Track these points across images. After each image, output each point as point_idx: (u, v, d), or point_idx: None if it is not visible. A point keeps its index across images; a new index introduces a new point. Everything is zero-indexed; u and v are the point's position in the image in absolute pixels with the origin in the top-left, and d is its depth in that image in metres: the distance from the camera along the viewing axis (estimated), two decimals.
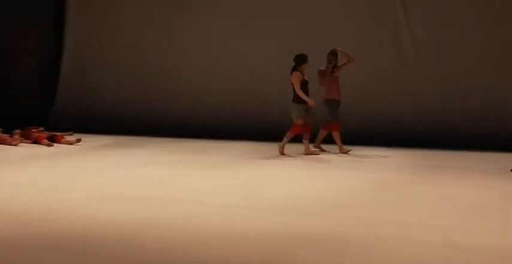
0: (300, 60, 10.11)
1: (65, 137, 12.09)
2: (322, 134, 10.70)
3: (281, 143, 10.30)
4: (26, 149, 11.13)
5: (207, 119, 13.41)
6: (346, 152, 10.45)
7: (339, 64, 10.49)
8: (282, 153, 10.25)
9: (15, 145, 11.40)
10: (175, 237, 5.22)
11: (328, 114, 10.48)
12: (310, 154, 10.30)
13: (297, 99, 10.14)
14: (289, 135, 10.26)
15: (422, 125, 11.68)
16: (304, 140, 10.31)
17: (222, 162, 9.77)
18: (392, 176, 8.54)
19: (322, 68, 10.44)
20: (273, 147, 10.72)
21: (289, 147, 10.48)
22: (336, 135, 10.50)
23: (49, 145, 11.49)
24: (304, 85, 10.13)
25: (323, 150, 10.67)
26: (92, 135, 13.03)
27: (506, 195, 7.20)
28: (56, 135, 12.02)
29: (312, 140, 10.57)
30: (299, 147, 10.56)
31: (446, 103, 11.64)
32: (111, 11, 14.67)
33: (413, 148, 11.18)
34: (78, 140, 11.86)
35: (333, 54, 10.44)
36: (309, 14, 12.78)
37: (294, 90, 10.16)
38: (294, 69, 10.16)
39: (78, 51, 15.07)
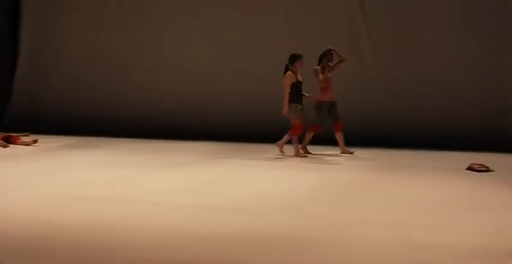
0: (293, 59, 9.95)
1: (21, 137, 11.87)
2: (308, 136, 10.46)
3: (294, 148, 10.14)
4: None
5: (166, 119, 13.30)
6: (350, 152, 10.37)
7: (331, 64, 10.35)
8: (303, 155, 10.13)
9: None
10: (131, 239, 5.13)
11: (315, 115, 10.36)
12: (300, 156, 10.08)
13: (291, 99, 9.96)
14: (293, 139, 10.08)
15: (382, 124, 11.74)
16: (292, 142, 10.18)
17: (181, 162, 9.69)
18: (353, 175, 8.57)
19: (317, 67, 10.29)
20: (233, 148, 10.68)
21: (252, 147, 10.45)
22: (308, 136, 10.37)
23: (4, 146, 11.27)
24: (297, 86, 9.97)
25: (309, 153, 10.45)
26: (48, 136, 12.85)
27: (464, 193, 7.25)
28: (11, 136, 11.79)
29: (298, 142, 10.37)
30: (262, 148, 10.54)
31: (405, 102, 11.72)
32: (67, 11, 14.45)
33: (375, 147, 11.22)
34: (35, 141, 11.66)
35: (330, 54, 10.30)
36: (266, 14, 12.73)
37: (291, 90, 9.97)
38: (286, 69, 10.00)
39: (35, 52, 14.85)
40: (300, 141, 10.28)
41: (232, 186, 7.63)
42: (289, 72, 9.95)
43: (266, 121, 12.29)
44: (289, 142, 10.28)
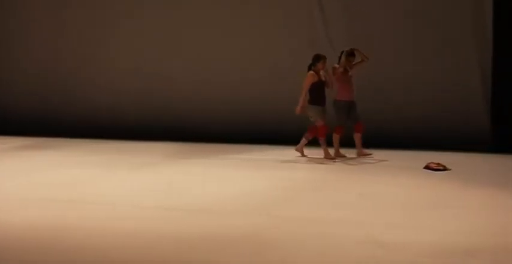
0: (316, 60, 9.68)
1: None
2: (336, 139, 9.97)
3: (323, 151, 9.82)
4: None
5: (125, 119, 13.17)
6: (332, 159, 9.82)
7: (353, 63, 9.99)
8: (335, 158, 9.80)
9: None
10: (91, 240, 5.09)
11: (334, 116, 9.96)
12: (330, 158, 9.76)
13: (312, 101, 9.70)
14: (321, 140, 9.75)
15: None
16: (303, 139, 10.04)
17: (144, 162, 9.63)
18: (316, 175, 8.64)
19: (336, 65, 9.89)
20: (195, 148, 10.67)
21: (217, 148, 10.41)
22: (335, 139, 9.92)
23: None
24: (319, 86, 9.66)
25: (344, 156, 9.99)
26: (5, 137, 12.67)
27: (422, 193, 7.34)
28: None
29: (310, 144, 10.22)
30: (226, 148, 10.52)
31: (365, 102, 11.78)
32: (20, 9, 14.21)
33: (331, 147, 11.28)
34: None
35: (352, 55, 9.93)
36: (226, 14, 12.72)
37: (309, 91, 9.71)
38: (309, 69, 9.75)
39: None
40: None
41: (196, 187, 7.62)
42: (310, 72, 9.70)
43: (232, 121, 12.28)
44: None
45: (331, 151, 9.90)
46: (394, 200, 6.81)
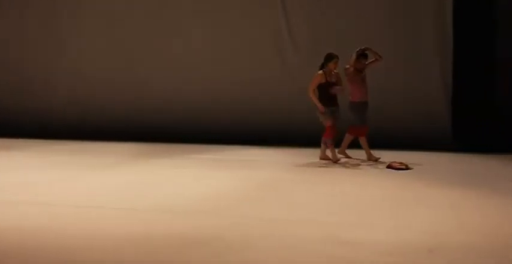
0: (328, 59, 9.42)
1: None
2: (348, 139, 9.83)
3: (321, 150, 9.65)
4: None
5: (87, 119, 13.08)
6: (375, 160, 9.59)
7: (367, 62, 9.67)
8: (338, 158, 9.56)
9: None
10: (53, 242, 5.04)
11: (351, 117, 9.70)
12: (325, 159, 9.60)
13: (322, 101, 9.43)
14: (328, 141, 9.48)
15: (306, 124, 11.84)
16: (322, 144, 9.63)
17: (109, 163, 9.57)
18: (279, 174, 8.65)
19: (347, 66, 9.60)
20: (160, 148, 10.63)
21: (182, 148, 10.36)
22: (347, 139, 9.79)
23: None
24: (326, 87, 9.39)
25: (349, 157, 9.84)
26: None
27: (385, 192, 7.41)
28: None
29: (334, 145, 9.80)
30: (191, 148, 10.49)
31: None
32: None
33: (298, 146, 11.32)
34: None
35: (363, 55, 9.57)
36: (188, 14, 12.70)
37: (318, 91, 9.49)
38: (321, 67, 9.50)
39: None
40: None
41: (158, 187, 7.60)
42: (319, 72, 9.46)
43: (197, 121, 12.28)
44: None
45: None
46: (356, 200, 6.86)
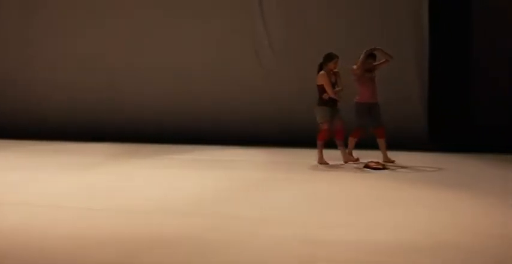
0: (328, 59, 9.24)
1: None
2: (351, 141, 9.52)
3: (318, 155, 9.36)
4: None
5: (61, 119, 12.98)
6: (391, 161, 9.35)
7: (376, 63, 9.49)
8: (322, 163, 9.30)
9: None
10: (27, 242, 5.02)
11: (354, 118, 9.47)
12: (350, 161, 9.32)
13: (321, 102, 9.29)
14: (319, 143, 9.30)
15: (279, 124, 11.88)
16: (339, 147, 9.31)
17: (85, 163, 9.53)
18: (259, 174, 8.69)
19: (354, 67, 9.38)
20: (142, 148, 10.60)
21: (161, 148, 10.32)
22: (351, 142, 9.46)
23: None
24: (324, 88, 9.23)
25: (356, 160, 9.47)
26: None
27: (362, 191, 7.46)
28: None
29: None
30: (173, 148, 10.45)
31: (304, 103, 11.89)
32: None
33: (274, 146, 11.34)
34: None
35: (372, 56, 9.38)
36: (164, 15, 12.66)
37: (319, 92, 9.29)
38: (320, 68, 9.35)
39: None
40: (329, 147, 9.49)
41: (138, 188, 7.59)
42: (322, 72, 9.23)
43: (179, 122, 12.25)
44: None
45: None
46: (334, 199, 6.90)
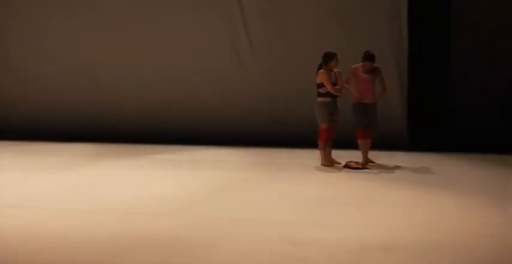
0: (328, 58, 9.17)
1: None
2: (361, 145, 9.32)
3: (321, 157, 9.28)
4: None
5: (42, 120, 12.93)
6: (371, 162, 9.32)
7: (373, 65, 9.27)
8: (329, 165, 9.20)
9: None
10: (8, 244, 5.00)
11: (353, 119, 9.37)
12: (328, 165, 9.20)
13: (319, 94, 9.20)
14: (320, 145, 9.23)
15: (260, 124, 11.90)
16: (320, 149, 9.31)
17: (58, 164, 9.47)
18: (234, 174, 8.70)
19: (354, 66, 9.34)
20: (122, 149, 10.55)
21: (141, 148, 10.28)
22: (362, 144, 9.27)
23: None
24: (324, 86, 9.18)
25: (373, 162, 9.37)
26: None
27: (341, 190, 7.50)
28: None
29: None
30: (151, 149, 10.42)
31: (283, 103, 11.93)
32: None
33: (251, 146, 11.36)
34: None
35: (367, 59, 9.19)
36: (144, 14, 12.63)
37: (318, 90, 9.25)
38: (320, 68, 9.28)
39: None
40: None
41: (117, 188, 7.57)
42: (322, 70, 9.20)
43: (159, 122, 12.24)
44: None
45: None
46: (313, 199, 6.92)
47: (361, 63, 9.27)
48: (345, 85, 9.33)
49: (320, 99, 9.26)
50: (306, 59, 11.54)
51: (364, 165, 9.09)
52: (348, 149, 9.62)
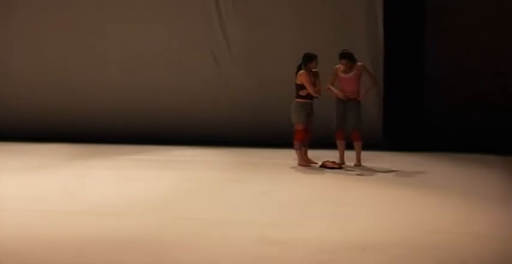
0: (308, 59, 9.13)
1: None
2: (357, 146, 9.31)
3: (298, 157, 9.26)
4: None
5: (15, 119, 12.77)
6: (305, 165, 9.24)
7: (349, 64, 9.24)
8: (305, 165, 9.17)
9: None
10: None
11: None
12: (305, 165, 9.18)
13: (299, 96, 9.16)
14: (296, 145, 9.19)
15: (238, 125, 11.87)
16: (296, 150, 9.28)
17: (35, 165, 9.38)
18: (210, 174, 8.69)
19: (336, 66, 9.32)
20: (99, 149, 10.52)
21: (116, 149, 10.25)
22: (338, 144, 9.32)
23: None
24: (303, 87, 9.13)
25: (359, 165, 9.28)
26: None
27: (318, 190, 7.50)
28: None
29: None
30: (126, 149, 10.38)
31: (261, 104, 11.91)
32: None
33: (229, 146, 11.31)
34: None
35: (341, 57, 9.20)
36: (118, 16, 12.53)
37: (296, 90, 9.20)
38: (299, 68, 9.23)
39: None
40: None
41: (92, 189, 7.54)
42: (302, 71, 9.14)
43: (137, 122, 12.15)
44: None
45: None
46: (289, 199, 6.92)
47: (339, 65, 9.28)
48: (330, 87, 9.34)
49: (299, 100, 9.24)
50: (283, 60, 11.55)
51: (340, 165, 9.09)
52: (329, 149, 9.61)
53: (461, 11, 11.24)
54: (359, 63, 9.36)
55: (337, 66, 9.36)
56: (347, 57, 9.26)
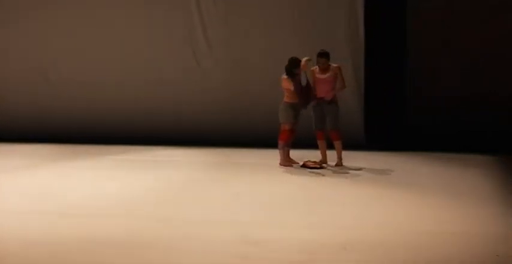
0: (291, 64, 9.12)
1: None
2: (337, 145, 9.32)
3: (280, 157, 9.24)
4: None
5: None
6: (287, 165, 9.22)
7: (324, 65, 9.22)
8: (287, 165, 9.16)
9: None
10: None
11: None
12: (286, 165, 9.17)
13: (286, 102, 9.19)
14: (280, 145, 9.20)
15: (219, 124, 11.84)
16: (281, 149, 9.28)
17: (19, 165, 9.32)
18: (190, 174, 8.68)
19: (313, 68, 9.29)
20: (80, 149, 10.47)
21: (94, 149, 10.17)
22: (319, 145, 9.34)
23: None
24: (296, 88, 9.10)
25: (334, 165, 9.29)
26: None
27: (297, 190, 7.49)
28: None
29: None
30: (104, 149, 10.30)
31: (242, 103, 11.88)
32: None
33: (209, 146, 11.26)
34: None
35: (319, 55, 9.16)
36: (98, 13, 12.45)
37: (286, 92, 9.21)
38: (287, 71, 9.21)
39: None
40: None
41: (68, 189, 7.48)
42: (284, 76, 9.19)
43: (119, 122, 12.06)
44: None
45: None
46: (270, 199, 6.91)
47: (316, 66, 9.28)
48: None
49: (288, 100, 9.23)
50: (263, 59, 11.54)
51: (322, 164, 9.08)
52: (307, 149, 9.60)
53: (440, 9, 11.29)
54: (334, 65, 9.35)
55: (312, 68, 9.34)
56: (325, 56, 9.24)
